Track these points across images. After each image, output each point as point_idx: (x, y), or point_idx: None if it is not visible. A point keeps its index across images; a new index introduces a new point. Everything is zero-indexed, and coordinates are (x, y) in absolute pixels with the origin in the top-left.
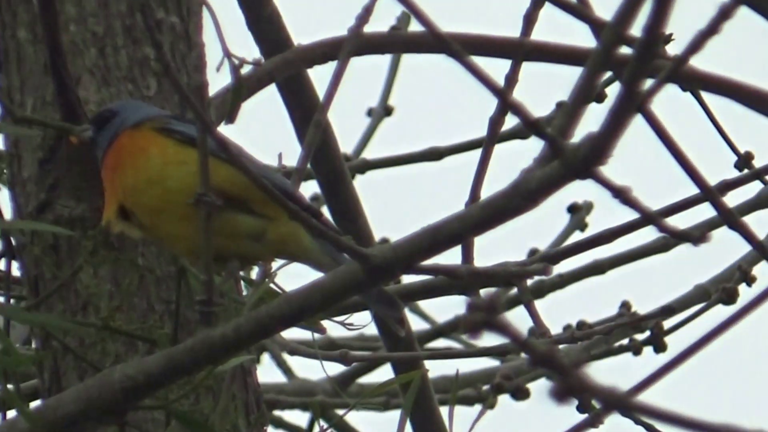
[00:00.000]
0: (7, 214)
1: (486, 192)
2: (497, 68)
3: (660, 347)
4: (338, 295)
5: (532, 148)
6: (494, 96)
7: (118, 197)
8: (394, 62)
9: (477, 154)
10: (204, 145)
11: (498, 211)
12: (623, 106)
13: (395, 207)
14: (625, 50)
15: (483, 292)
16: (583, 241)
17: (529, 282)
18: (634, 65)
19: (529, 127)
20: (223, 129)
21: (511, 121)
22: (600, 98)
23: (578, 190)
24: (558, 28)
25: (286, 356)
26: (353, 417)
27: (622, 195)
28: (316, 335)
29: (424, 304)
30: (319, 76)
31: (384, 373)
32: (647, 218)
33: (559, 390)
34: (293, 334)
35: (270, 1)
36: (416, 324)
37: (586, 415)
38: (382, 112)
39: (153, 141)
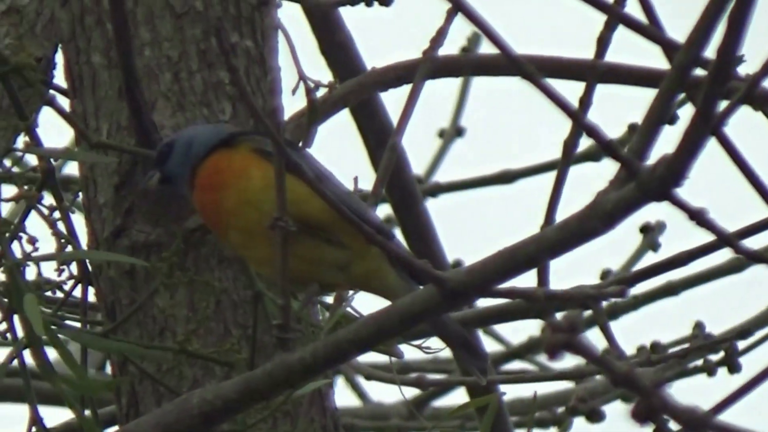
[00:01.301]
0: (83, 240)
1: (560, 216)
2: (571, 90)
3: (734, 368)
4: (415, 319)
5: (604, 170)
6: (568, 118)
7: (226, 216)
8: (464, 83)
9: (549, 177)
10: (280, 170)
11: (574, 233)
12: (698, 127)
13: (468, 230)
14: (699, 72)
15: (560, 314)
16: (658, 263)
17: (604, 304)
18: (709, 87)
19: (604, 149)
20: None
21: (584, 144)
22: (673, 121)
23: (650, 210)
24: (631, 49)
25: (360, 379)
26: None
27: (698, 217)
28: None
29: (497, 326)
30: (392, 100)
31: (458, 395)
32: (723, 240)
33: (639, 411)
34: (367, 357)
35: (342, 26)
36: (490, 346)
37: None
38: (453, 133)
39: (253, 162)
